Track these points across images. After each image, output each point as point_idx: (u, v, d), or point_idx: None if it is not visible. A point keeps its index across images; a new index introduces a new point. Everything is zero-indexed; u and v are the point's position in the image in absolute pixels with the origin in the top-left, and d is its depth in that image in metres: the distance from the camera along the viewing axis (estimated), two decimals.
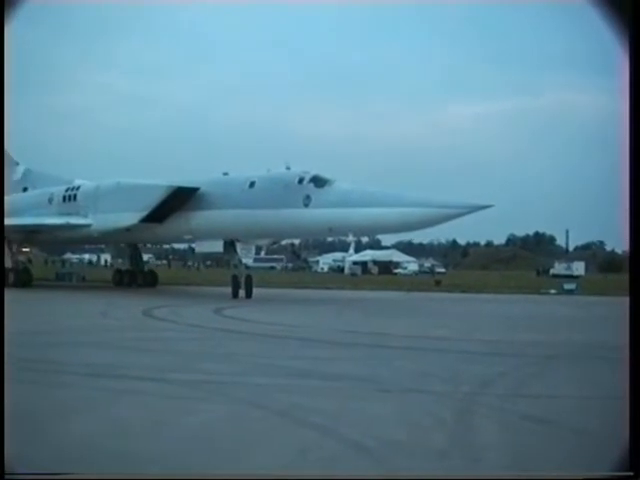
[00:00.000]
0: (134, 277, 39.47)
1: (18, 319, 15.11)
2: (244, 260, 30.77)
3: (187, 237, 33.18)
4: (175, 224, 31.98)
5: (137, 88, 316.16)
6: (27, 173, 43.46)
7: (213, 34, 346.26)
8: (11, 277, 34.99)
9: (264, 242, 31.80)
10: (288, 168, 28.87)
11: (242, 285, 29.40)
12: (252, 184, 29.10)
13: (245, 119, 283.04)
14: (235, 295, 29.27)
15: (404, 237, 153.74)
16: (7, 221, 36.58)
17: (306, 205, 26.88)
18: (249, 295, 29.37)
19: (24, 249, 38.77)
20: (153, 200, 31.65)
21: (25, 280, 35.82)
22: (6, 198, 41.85)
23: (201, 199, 30.92)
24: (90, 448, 6.48)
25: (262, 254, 32.94)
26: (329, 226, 26.86)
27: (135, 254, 40.55)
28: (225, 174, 32.27)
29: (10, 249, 36.80)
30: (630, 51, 5.53)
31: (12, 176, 43.17)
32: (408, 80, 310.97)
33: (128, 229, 32.90)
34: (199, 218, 30.88)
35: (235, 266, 31.50)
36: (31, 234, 37.06)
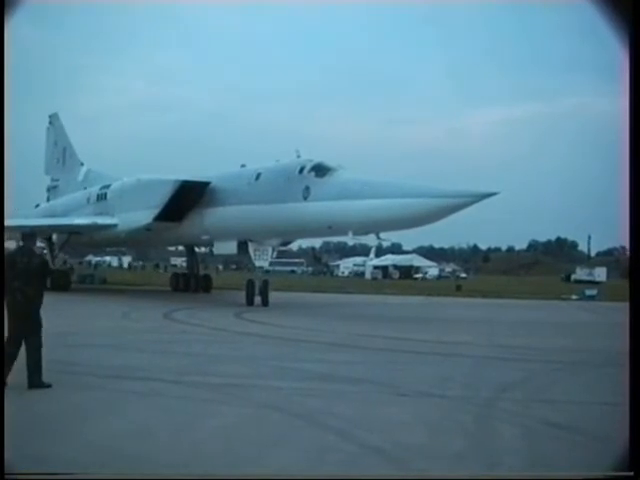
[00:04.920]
0: (189, 281, 37.85)
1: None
2: (259, 263, 27.25)
3: (205, 237, 30.28)
4: (192, 223, 30.21)
5: (155, 92, 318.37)
6: (88, 173, 43.34)
7: (230, 38, 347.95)
8: (48, 280, 34.21)
9: (273, 242, 27.80)
10: (299, 156, 25.95)
11: (258, 290, 26.78)
12: (258, 176, 26.78)
13: (264, 122, 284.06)
14: (250, 302, 26.66)
15: (425, 241, 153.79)
16: (46, 221, 36.94)
17: (305, 198, 24.18)
18: (265, 302, 26.68)
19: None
20: (164, 196, 30.19)
21: (63, 284, 34.37)
22: (63, 198, 42.44)
23: (213, 195, 29.00)
24: (110, 450, 6.55)
25: (274, 255, 29.05)
26: (328, 223, 23.80)
27: (192, 258, 38.89)
28: (243, 166, 29.65)
29: (51, 251, 36.65)
30: (630, 51, 5.57)
31: (77, 177, 43.50)
32: (424, 86, 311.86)
33: (148, 229, 31.54)
34: (212, 216, 28.96)
35: (250, 270, 28.76)
36: (74, 236, 36.27)
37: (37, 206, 45.82)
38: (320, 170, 24.29)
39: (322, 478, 5.97)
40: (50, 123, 47.05)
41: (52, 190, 46.52)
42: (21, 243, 9.98)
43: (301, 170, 24.67)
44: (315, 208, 23.74)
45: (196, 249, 38.37)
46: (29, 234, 10.08)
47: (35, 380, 9.17)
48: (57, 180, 46.21)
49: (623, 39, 5.72)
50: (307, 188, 24.09)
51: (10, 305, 9.25)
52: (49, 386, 9.17)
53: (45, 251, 36.95)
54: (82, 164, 44.28)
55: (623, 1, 5.81)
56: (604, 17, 5.81)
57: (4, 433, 6.36)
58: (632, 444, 5.41)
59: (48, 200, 46.27)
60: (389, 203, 21.45)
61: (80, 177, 43.27)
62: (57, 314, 16.41)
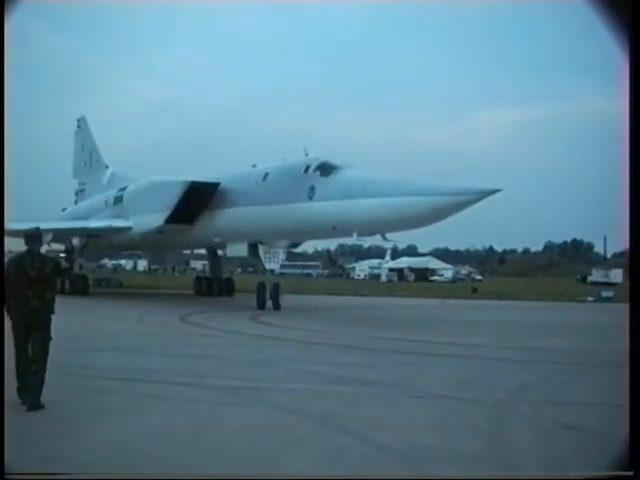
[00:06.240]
0: (212, 285, 37.45)
1: None
2: (269, 266, 26.67)
3: (217, 240, 29.81)
4: (203, 225, 29.68)
5: (172, 94, 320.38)
6: (112, 176, 43.26)
7: (244, 39, 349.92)
8: (66, 284, 32.85)
9: (282, 244, 27.17)
10: (307, 155, 25.31)
11: (269, 294, 26.17)
12: (265, 176, 26.22)
13: (282, 124, 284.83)
14: (261, 306, 26.03)
15: (440, 243, 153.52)
16: (63, 224, 37.16)
17: (310, 198, 23.48)
18: (277, 306, 26.08)
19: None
20: (174, 198, 29.84)
21: (81, 288, 34.28)
22: (86, 202, 42.77)
23: (223, 196, 28.52)
24: (127, 452, 6.65)
25: (284, 258, 27.91)
26: (332, 223, 23.02)
27: (214, 261, 38.23)
28: (254, 166, 28.75)
29: (70, 255, 36.57)
30: (630, 52, 5.65)
31: (102, 180, 43.56)
32: (425, 87, 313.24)
33: (160, 231, 31.12)
34: (222, 217, 28.47)
35: (262, 272, 28.27)
36: (93, 239, 36.07)
37: (64, 210, 46.01)
38: (325, 169, 23.55)
39: (337, 478, 6.05)
40: (78, 127, 47.42)
41: (80, 194, 46.76)
42: (25, 246, 8.70)
43: (306, 169, 24.03)
44: (320, 208, 23.07)
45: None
46: (32, 235, 8.70)
47: (34, 400, 8.18)
48: (84, 184, 46.45)
49: (623, 40, 5.80)
50: (312, 188, 23.45)
51: (19, 315, 8.39)
52: (43, 407, 8.17)
53: (62, 254, 37.08)
54: (107, 167, 44.33)
55: (622, 2, 5.89)
56: (604, 18, 5.90)
57: (4, 433, 6.43)
58: (632, 444, 5.47)
59: (76, 204, 46.48)
60: (393, 202, 20.61)
61: (105, 180, 43.29)
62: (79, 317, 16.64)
